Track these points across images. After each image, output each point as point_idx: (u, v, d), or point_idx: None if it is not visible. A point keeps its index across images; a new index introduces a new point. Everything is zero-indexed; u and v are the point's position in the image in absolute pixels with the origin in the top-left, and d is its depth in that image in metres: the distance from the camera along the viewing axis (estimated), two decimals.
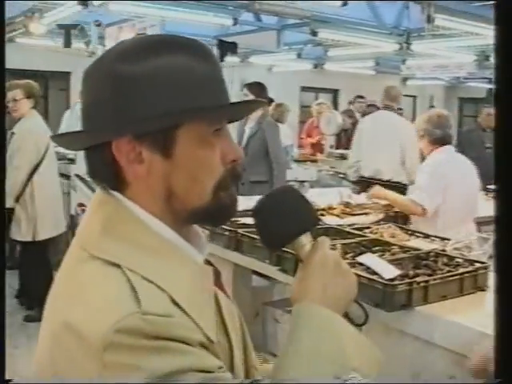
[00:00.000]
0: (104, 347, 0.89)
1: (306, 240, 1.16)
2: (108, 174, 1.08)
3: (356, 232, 3.15)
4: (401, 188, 4.98)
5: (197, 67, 1.06)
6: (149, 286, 0.96)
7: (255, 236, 2.90)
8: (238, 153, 1.12)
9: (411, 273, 2.38)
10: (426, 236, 3.22)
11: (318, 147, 9.60)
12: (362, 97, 10.42)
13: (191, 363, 0.92)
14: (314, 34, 8.47)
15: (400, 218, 3.92)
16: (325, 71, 13.75)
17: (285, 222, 1.15)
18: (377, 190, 4.28)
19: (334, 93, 16.17)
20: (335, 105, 15.21)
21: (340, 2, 6.44)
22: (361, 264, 2.46)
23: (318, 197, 4.25)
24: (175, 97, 1.03)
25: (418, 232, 3.30)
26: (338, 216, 3.68)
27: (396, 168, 5.74)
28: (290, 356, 1.04)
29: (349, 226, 3.36)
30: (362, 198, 4.32)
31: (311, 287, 1.12)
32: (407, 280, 2.29)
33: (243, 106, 1.22)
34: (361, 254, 2.63)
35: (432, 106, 13.43)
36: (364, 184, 5.81)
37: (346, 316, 1.14)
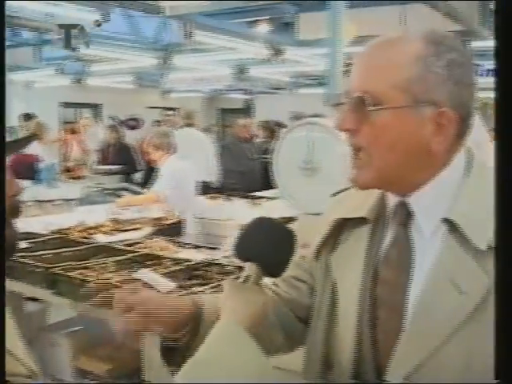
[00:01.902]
0: None
1: None
2: None
3: (127, 248, 3.16)
4: None
5: None
6: None
7: (27, 261, 2.82)
8: (14, 188, 1.11)
9: (185, 284, 2.46)
10: (195, 246, 3.33)
11: (82, 163, 9.42)
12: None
13: None
14: (73, 49, 8.32)
15: (169, 230, 3.95)
16: (86, 86, 13.50)
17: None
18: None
19: (96, 108, 15.93)
20: (98, 120, 15.00)
21: (93, 19, 6.50)
22: (139, 280, 2.49)
23: (85, 215, 4.20)
24: None
25: (186, 243, 3.40)
26: (107, 233, 3.65)
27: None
28: None
29: (119, 242, 3.34)
30: (130, 214, 4.32)
31: None
32: (184, 292, 2.37)
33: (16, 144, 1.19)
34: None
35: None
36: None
37: None
